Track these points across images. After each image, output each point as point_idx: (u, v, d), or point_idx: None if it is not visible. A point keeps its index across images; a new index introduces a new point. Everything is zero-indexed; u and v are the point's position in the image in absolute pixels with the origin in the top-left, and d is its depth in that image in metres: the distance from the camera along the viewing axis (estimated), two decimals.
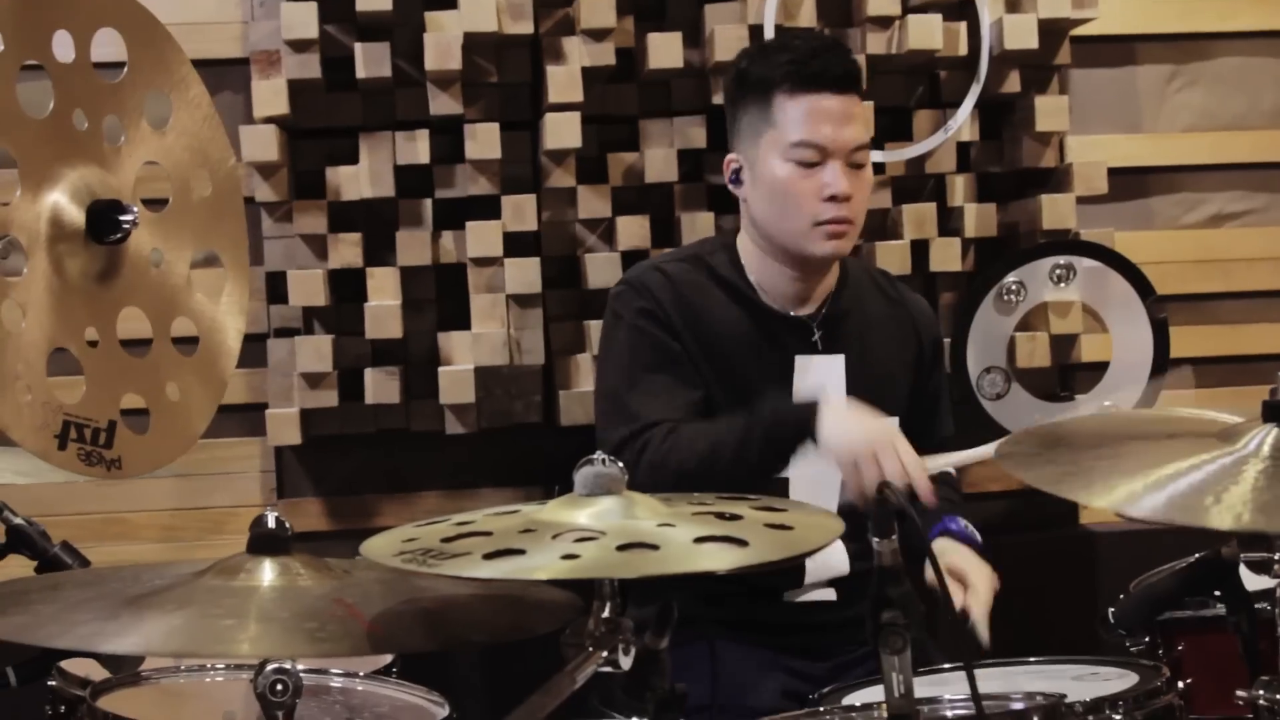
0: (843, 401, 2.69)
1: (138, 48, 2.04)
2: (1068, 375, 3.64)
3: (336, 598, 1.87)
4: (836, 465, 2.63)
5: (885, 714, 1.86)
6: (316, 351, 3.37)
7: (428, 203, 3.47)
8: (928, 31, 3.41)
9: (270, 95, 3.34)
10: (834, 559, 2.84)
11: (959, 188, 3.57)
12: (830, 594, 2.88)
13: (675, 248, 3.26)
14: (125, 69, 2.05)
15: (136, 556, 3.52)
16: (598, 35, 3.39)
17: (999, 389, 3.45)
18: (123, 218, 1.93)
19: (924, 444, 2.70)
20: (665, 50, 3.39)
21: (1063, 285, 3.44)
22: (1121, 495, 1.82)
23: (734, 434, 2.66)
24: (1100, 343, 3.55)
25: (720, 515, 1.79)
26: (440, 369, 3.39)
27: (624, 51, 3.47)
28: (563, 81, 3.37)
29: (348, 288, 3.46)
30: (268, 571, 1.94)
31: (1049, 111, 3.49)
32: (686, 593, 2.86)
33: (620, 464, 1.83)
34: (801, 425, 2.63)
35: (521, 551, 1.67)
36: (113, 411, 1.94)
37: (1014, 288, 3.42)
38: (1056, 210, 3.49)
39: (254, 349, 3.53)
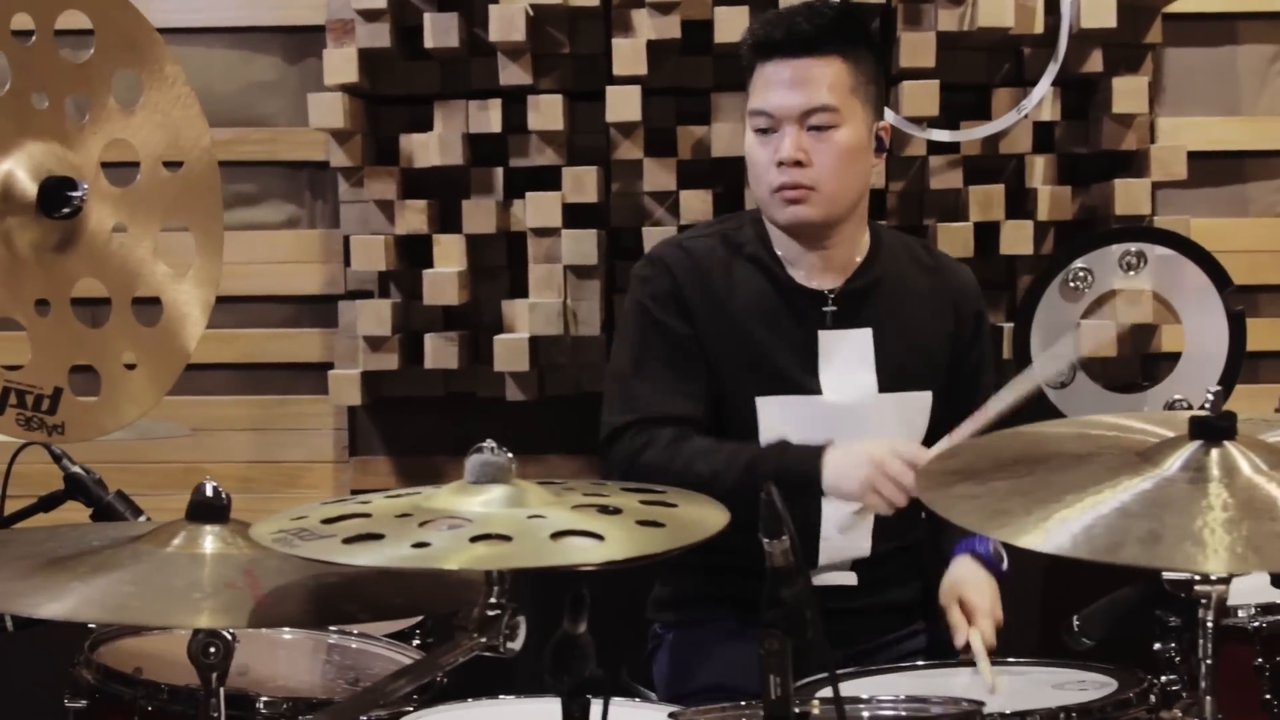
0: (840, 447, 2.66)
1: (106, 29, 2.11)
2: (1149, 365, 3.53)
3: (248, 569, 1.93)
4: (848, 500, 2.66)
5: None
6: (377, 315, 3.45)
7: (499, 171, 3.52)
8: (999, 9, 3.32)
9: (341, 63, 3.42)
10: (855, 539, 2.82)
11: (1038, 169, 3.48)
12: (851, 578, 2.86)
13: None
14: (92, 50, 2.12)
15: None
16: (664, 8, 3.38)
17: (1064, 377, 3.37)
18: (71, 194, 2.00)
19: (962, 418, 2.67)
20: (733, 24, 3.37)
21: (1132, 273, 3.33)
22: (1034, 530, 1.76)
23: (735, 470, 2.65)
24: (1179, 333, 3.44)
25: (603, 509, 1.80)
26: (496, 337, 3.44)
27: (702, 25, 3.46)
28: (627, 54, 3.38)
29: (419, 253, 3.54)
30: (200, 540, 2.02)
31: (1127, 92, 3.38)
32: (703, 573, 2.89)
33: (510, 455, 1.86)
34: (806, 476, 2.63)
35: (380, 537, 1.70)
36: (59, 379, 2.02)
37: (1081, 274, 3.33)
38: (1131, 195, 3.38)
39: (330, 310, 3.64)
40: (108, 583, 1.87)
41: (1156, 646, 2.69)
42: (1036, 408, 3.26)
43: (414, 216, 3.48)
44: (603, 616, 3.24)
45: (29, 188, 2.01)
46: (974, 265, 3.43)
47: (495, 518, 1.75)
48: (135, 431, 2.85)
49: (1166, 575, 2.01)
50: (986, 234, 3.45)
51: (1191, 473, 1.83)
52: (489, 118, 3.48)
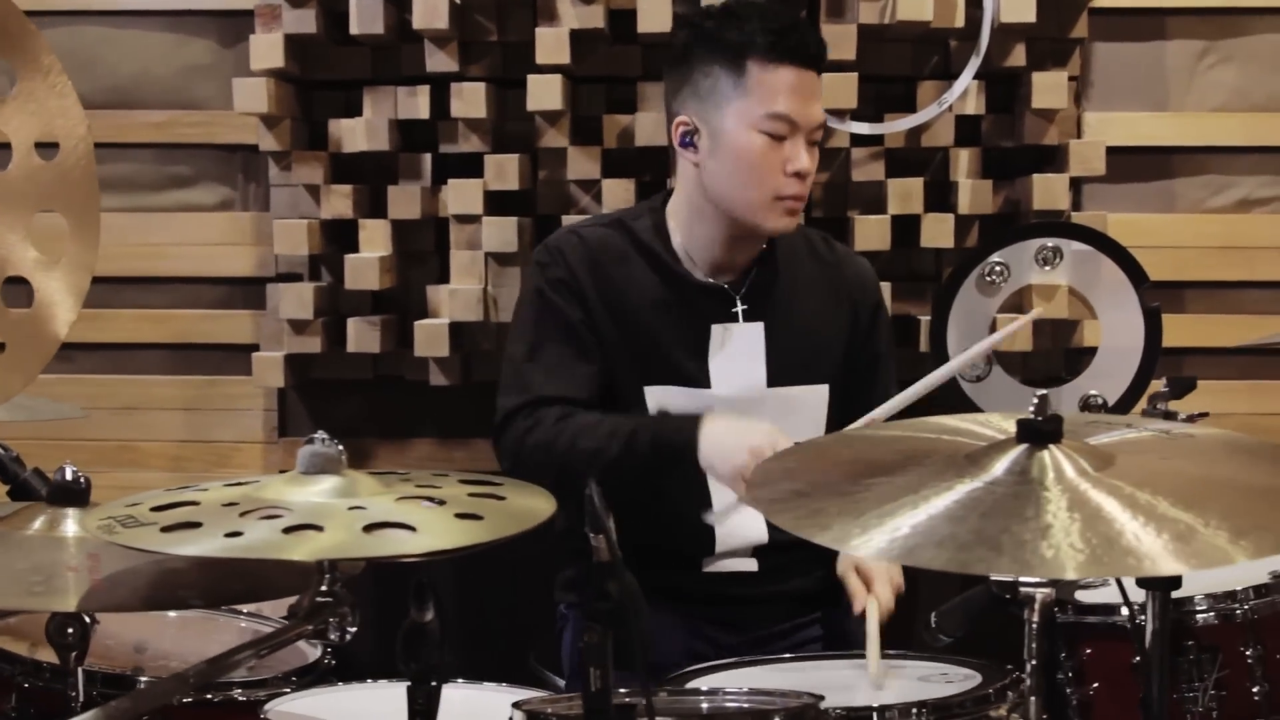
0: (720, 417, 2.70)
1: None
2: (1072, 359, 3.55)
3: (93, 553, 1.97)
4: (721, 482, 2.67)
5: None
6: (299, 298, 3.48)
7: (427, 157, 3.55)
8: (919, 2, 3.34)
9: (267, 48, 3.45)
10: (749, 527, 2.84)
11: (962, 162, 3.50)
12: (752, 564, 2.89)
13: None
14: None
15: (145, 484, 3.69)
16: None
17: (979, 371, 3.38)
18: None
19: (863, 411, 2.71)
20: (657, 13, 3.38)
21: (1048, 268, 3.34)
22: (856, 535, 1.78)
23: (618, 442, 2.69)
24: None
25: (430, 500, 1.83)
26: (416, 322, 3.48)
27: (630, 14, 3.47)
28: (550, 43, 3.40)
29: (347, 238, 3.57)
30: (60, 523, 2.06)
31: (1047, 87, 3.39)
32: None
33: (340, 447, 1.89)
34: (682, 446, 2.67)
35: (198, 525, 1.74)
36: None
37: (998, 269, 3.34)
38: (1049, 190, 3.40)
39: (261, 292, 3.67)
40: None
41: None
42: (955, 404, 3.34)
43: (339, 201, 3.51)
44: (517, 601, 3.31)
45: None
46: (894, 258, 3.48)
47: (316, 508, 1.78)
48: (27, 413, 2.90)
49: (993, 576, 2.03)
50: (909, 227, 3.47)
51: (1016, 476, 1.85)
52: (417, 104, 3.51)
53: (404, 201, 3.51)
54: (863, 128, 3.41)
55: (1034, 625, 1.92)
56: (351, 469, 1.88)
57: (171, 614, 2.78)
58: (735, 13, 2.78)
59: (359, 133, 3.49)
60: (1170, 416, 2.36)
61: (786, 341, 2.85)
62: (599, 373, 2.79)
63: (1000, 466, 1.86)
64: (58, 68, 2.26)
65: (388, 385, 3.66)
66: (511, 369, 2.81)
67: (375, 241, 3.51)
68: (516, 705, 2.04)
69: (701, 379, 2.81)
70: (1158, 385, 2.87)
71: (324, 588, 1.87)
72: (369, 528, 1.72)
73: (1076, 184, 3.55)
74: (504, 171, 3.45)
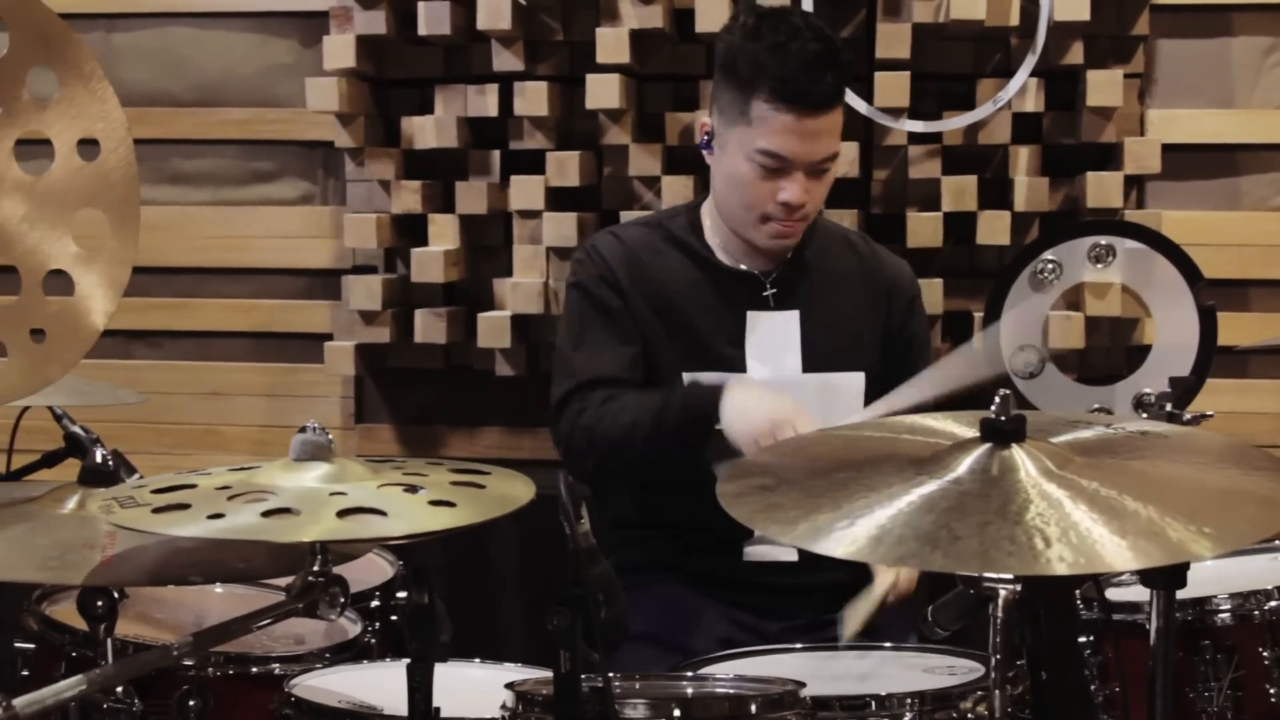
0: (749, 384, 2.77)
1: (19, 30, 2.28)
2: (1134, 357, 3.55)
3: (110, 532, 2.10)
4: (740, 447, 2.72)
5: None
6: (368, 290, 3.61)
7: (496, 154, 3.65)
8: (971, 1, 3.36)
9: (339, 48, 3.57)
10: None
11: (1021, 160, 3.51)
12: (792, 554, 2.95)
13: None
14: (5, 51, 2.29)
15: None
16: None
17: (1032, 368, 3.39)
18: None
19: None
20: (714, 13, 3.44)
21: (1101, 266, 3.35)
22: (823, 534, 1.82)
23: (650, 414, 2.77)
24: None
25: (409, 488, 1.93)
26: (480, 314, 3.58)
27: (691, 13, 3.54)
28: (610, 42, 3.48)
29: (418, 231, 3.68)
30: (86, 503, 2.20)
31: (1103, 85, 3.40)
32: (641, 543, 3.01)
33: (329, 436, 1.99)
34: (708, 409, 2.73)
35: (187, 507, 1.85)
36: None
37: (1050, 267, 3.35)
38: (1103, 188, 3.40)
39: (338, 284, 3.80)
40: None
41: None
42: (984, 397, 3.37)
43: (409, 196, 3.62)
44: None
45: None
46: (950, 255, 3.51)
47: (299, 493, 1.88)
48: (86, 398, 3.05)
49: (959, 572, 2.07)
50: (965, 224, 3.50)
51: (977, 475, 1.89)
52: (486, 102, 3.61)
53: (472, 197, 3.61)
54: (916, 126, 3.44)
55: (998, 620, 1.96)
56: (341, 458, 1.97)
57: (218, 589, 2.90)
58: (759, 34, 2.78)
59: (429, 130, 3.60)
60: (1174, 418, 2.37)
61: (821, 329, 2.91)
62: (641, 355, 2.88)
63: (963, 466, 1.91)
64: (98, 73, 2.39)
65: (458, 375, 3.78)
66: (560, 359, 2.93)
67: (444, 236, 3.62)
68: (509, 686, 2.12)
69: (738, 364, 2.88)
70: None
71: (315, 568, 1.97)
72: (343, 513, 1.81)
73: (1139, 182, 3.54)
74: (565, 168, 3.54)
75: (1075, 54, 3.45)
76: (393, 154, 3.65)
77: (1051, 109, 3.52)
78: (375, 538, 1.81)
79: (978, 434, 1.95)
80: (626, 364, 2.88)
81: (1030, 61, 3.41)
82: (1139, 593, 2.76)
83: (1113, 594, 2.77)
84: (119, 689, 2.32)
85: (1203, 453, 1.98)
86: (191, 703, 2.48)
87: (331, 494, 1.88)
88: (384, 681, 2.46)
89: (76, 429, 3.10)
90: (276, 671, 2.52)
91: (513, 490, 1.97)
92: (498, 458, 3.73)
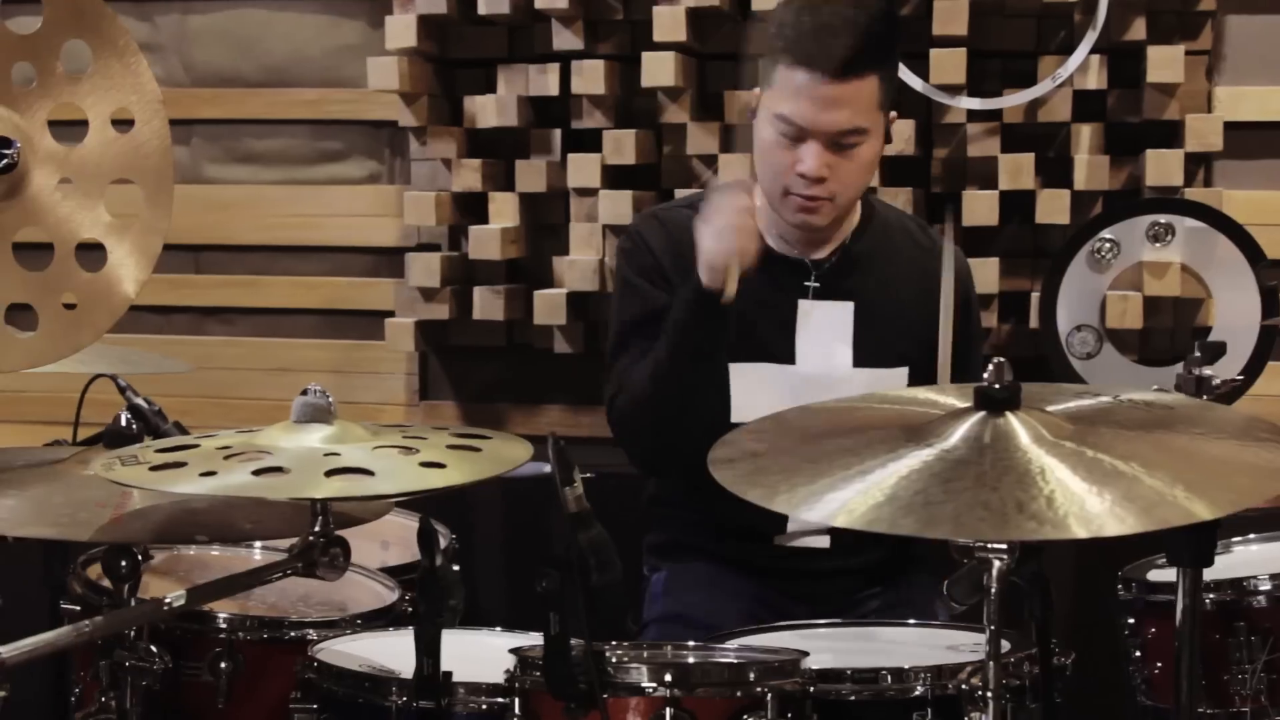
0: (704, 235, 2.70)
1: (53, 5, 2.34)
2: (1201, 338, 3.48)
3: (126, 491, 2.15)
4: (712, 270, 2.66)
5: None
6: (427, 268, 3.65)
7: (557, 133, 3.67)
8: None
9: (401, 29, 3.62)
10: None
11: (1083, 138, 3.46)
12: (824, 541, 2.94)
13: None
14: (39, 25, 2.35)
15: None
16: None
17: (1090, 348, 3.36)
18: (3, 150, 2.24)
19: None
20: None
21: (1159, 245, 3.30)
22: (814, 501, 1.83)
23: (659, 344, 2.74)
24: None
25: (405, 449, 1.96)
26: (536, 291, 3.61)
27: None
28: (667, 21, 3.49)
29: (480, 209, 3.72)
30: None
31: (1164, 61, 3.34)
32: (680, 525, 3.01)
33: (330, 398, 2.03)
34: (694, 292, 2.68)
35: (183, 465, 1.89)
36: None
37: (1107, 246, 3.31)
38: (1163, 166, 3.35)
39: (402, 261, 3.85)
40: (20, 499, 2.11)
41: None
42: (1066, 379, 3.33)
43: (469, 175, 3.66)
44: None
45: None
46: (1008, 234, 3.48)
47: (294, 454, 1.92)
48: (131, 365, 3.11)
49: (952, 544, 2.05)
50: (1024, 203, 3.46)
51: (970, 443, 1.89)
52: (547, 81, 3.63)
53: (531, 175, 3.64)
54: (972, 103, 3.41)
55: (992, 591, 1.94)
56: (342, 421, 2.00)
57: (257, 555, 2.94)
58: (794, 6, 2.74)
59: (491, 109, 3.64)
60: (1204, 382, 2.33)
61: (874, 322, 2.86)
62: None
63: (955, 434, 1.91)
64: (133, 48, 2.44)
65: (520, 352, 3.80)
66: (610, 360, 2.91)
67: (504, 214, 3.65)
68: (514, 650, 2.14)
69: (786, 355, 2.85)
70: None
71: (316, 529, 2.00)
72: (331, 473, 1.84)
73: (1205, 160, 3.48)
74: (622, 146, 3.55)
75: (1138, 30, 3.39)
76: (455, 133, 3.69)
77: (1116, 86, 3.47)
78: (360, 496, 1.84)
79: (969, 404, 1.94)
80: None
81: (1090, 38, 3.36)
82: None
83: (1156, 575, 2.73)
84: (152, 648, 2.37)
85: (1205, 424, 1.96)
86: (223, 665, 2.53)
87: (325, 454, 1.91)
88: (412, 648, 2.50)
89: (140, 400, 3.16)
90: (308, 636, 2.57)
91: (507, 453, 1.99)
92: (560, 435, 3.75)
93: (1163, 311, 3.41)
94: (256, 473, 1.85)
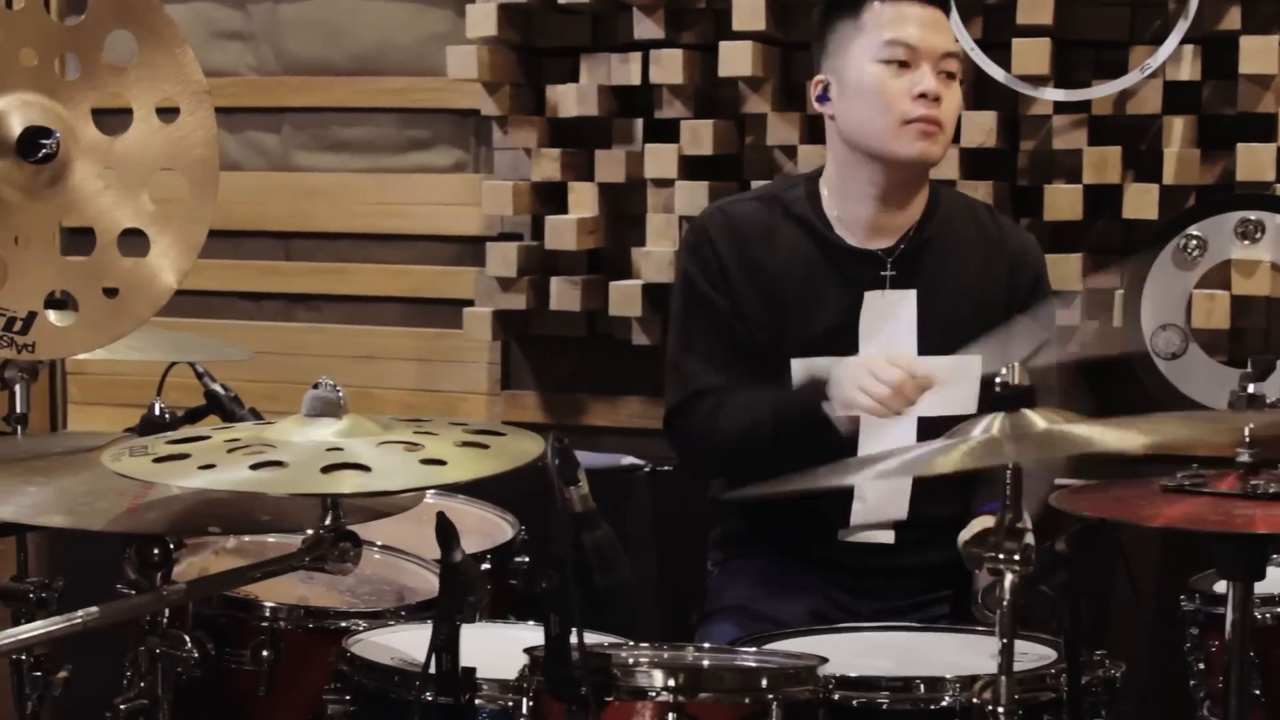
0: (852, 363, 2.74)
1: None
2: None
3: (147, 482, 2.16)
4: (848, 411, 2.71)
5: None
6: (504, 257, 3.64)
7: (639, 122, 3.64)
8: None
9: (481, 18, 3.61)
10: (891, 502, 2.87)
11: (1176, 131, 3.35)
12: (888, 536, 2.90)
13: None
14: (84, 14, 2.38)
15: None
16: None
17: (1175, 348, 3.25)
18: (44, 141, 2.27)
19: None
20: None
21: (1248, 242, 3.18)
22: None
23: (768, 409, 2.78)
24: None
25: (410, 444, 1.94)
26: (611, 282, 3.58)
27: None
28: (746, 10, 3.44)
29: (560, 199, 3.70)
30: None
31: (1257, 51, 3.21)
32: (746, 519, 2.99)
33: (341, 392, 2.02)
34: (817, 400, 2.73)
35: (186, 458, 1.89)
36: (34, 303, 2.29)
37: (1194, 242, 3.20)
38: (1254, 160, 3.22)
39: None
40: (22, 483, 2.14)
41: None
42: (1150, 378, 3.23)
43: (549, 164, 3.65)
44: (690, 562, 3.34)
45: (12, 135, 2.28)
46: (1095, 230, 3.38)
47: (298, 448, 1.91)
48: (196, 353, 3.14)
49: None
50: (1111, 198, 3.36)
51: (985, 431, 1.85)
52: (629, 70, 3.60)
53: (611, 165, 3.62)
54: (1057, 94, 3.31)
55: (1004, 605, 1.88)
56: (353, 415, 1.99)
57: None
58: None
59: (572, 98, 3.62)
60: (1256, 400, 2.24)
61: (939, 310, 2.84)
62: (748, 353, 2.85)
63: (975, 430, 1.86)
64: (180, 38, 2.46)
65: (601, 343, 3.78)
66: (671, 366, 2.95)
67: (583, 204, 3.63)
68: (527, 650, 2.12)
69: (849, 348, 2.83)
70: None
71: (327, 522, 2.00)
72: (327, 468, 1.84)
73: None
74: (699, 136, 3.51)
75: (1233, 19, 3.27)
76: (536, 122, 3.67)
77: (1211, 78, 3.35)
78: (354, 492, 1.83)
79: None
80: (735, 368, 2.87)
81: (1182, 27, 3.25)
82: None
83: (1222, 586, 2.64)
84: (184, 636, 2.39)
85: None
86: (265, 653, 2.55)
87: (328, 449, 1.90)
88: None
89: (216, 387, 3.19)
90: (351, 627, 2.58)
91: (516, 450, 1.96)
92: (638, 427, 3.74)
93: (1253, 311, 3.29)
94: (254, 467, 1.85)
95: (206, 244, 4.00)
